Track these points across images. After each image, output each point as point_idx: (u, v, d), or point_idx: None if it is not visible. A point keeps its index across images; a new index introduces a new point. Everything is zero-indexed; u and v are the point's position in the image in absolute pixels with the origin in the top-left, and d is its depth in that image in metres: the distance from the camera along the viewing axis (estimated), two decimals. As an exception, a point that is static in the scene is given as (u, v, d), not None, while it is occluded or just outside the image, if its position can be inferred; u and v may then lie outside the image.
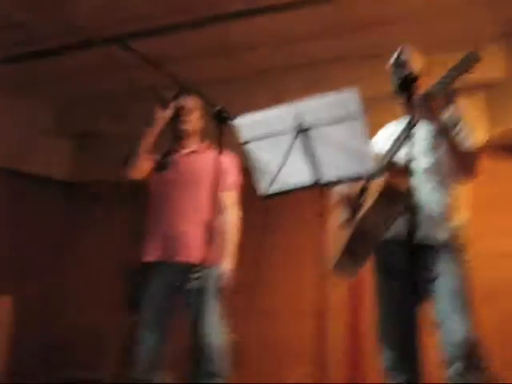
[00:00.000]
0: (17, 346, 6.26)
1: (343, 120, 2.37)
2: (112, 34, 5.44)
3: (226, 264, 3.40)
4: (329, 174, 2.54)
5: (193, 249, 3.33)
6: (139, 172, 3.60)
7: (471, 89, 4.38)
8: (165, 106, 3.54)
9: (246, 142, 2.57)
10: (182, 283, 3.29)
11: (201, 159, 3.57)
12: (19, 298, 6.36)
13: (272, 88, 5.66)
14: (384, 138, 2.99)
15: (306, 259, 5.37)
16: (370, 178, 2.59)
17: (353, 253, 2.86)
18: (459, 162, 2.69)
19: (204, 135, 3.72)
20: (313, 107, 2.42)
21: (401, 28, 4.96)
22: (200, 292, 3.24)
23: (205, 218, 3.35)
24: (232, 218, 3.55)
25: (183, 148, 3.68)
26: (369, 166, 2.41)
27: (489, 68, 4.80)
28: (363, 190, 2.93)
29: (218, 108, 2.75)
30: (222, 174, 3.55)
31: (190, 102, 3.64)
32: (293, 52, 5.64)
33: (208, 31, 5.43)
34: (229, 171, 3.59)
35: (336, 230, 3.08)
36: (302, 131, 2.46)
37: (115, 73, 6.31)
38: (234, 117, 2.60)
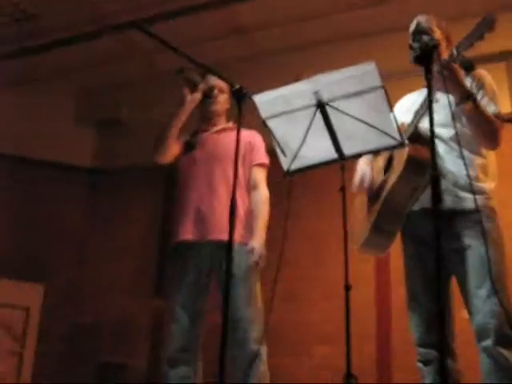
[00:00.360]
0: (47, 332, 6.39)
1: (362, 93, 2.36)
2: (129, 19, 5.48)
3: (256, 241, 3.32)
4: (351, 148, 2.53)
5: (225, 227, 3.30)
6: (169, 156, 3.55)
7: (491, 59, 4.33)
8: (194, 88, 3.49)
9: (266, 119, 2.56)
10: (216, 262, 3.28)
11: (229, 137, 3.48)
12: (49, 286, 6.47)
13: (288, 66, 5.63)
14: (405, 109, 2.96)
15: (330, 240, 5.40)
16: (395, 148, 2.57)
17: (381, 228, 2.83)
18: (483, 129, 2.65)
19: (228, 116, 3.69)
20: (331, 82, 2.40)
21: (419, 1, 4.91)
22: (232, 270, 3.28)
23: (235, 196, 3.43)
24: (262, 195, 3.49)
25: (211, 126, 3.63)
26: (391, 138, 2.40)
27: (509, 38, 4.73)
28: (387, 164, 2.91)
29: (236, 86, 2.73)
30: (251, 151, 3.57)
31: (219, 83, 3.57)
32: (307, 30, 5.61)
33: (222, 12, 5.46)
34: (257, 148, 3.55)
35: (362, 207, 3.07)
36: (322, 106, 2.45)
37: (136, 59, 6.34)
38: (253, 94, 2.59)
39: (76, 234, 6.87)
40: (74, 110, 7.18)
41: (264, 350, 3.24)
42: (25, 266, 6.36)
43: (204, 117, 3.66)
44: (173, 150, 3.57)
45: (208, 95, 3.56)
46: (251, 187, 3.54)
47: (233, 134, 3.52)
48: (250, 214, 3.46)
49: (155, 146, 3.52)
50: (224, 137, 3.56)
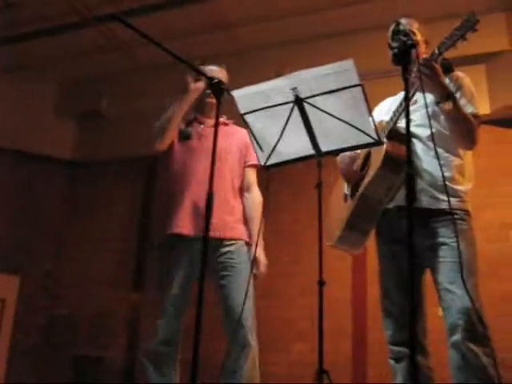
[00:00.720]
0: (23, 324, 6.35)
1: (341, 90, 2.37)
2: (111, 11, 5.46)
3: (259, 250, 3.33)
4: (328, 144, 2.54)
5: (221, 223, 3.29)
6: (167, 144, 3.49)
7: (470, 60, 4.36)
8: (198, 77, 3.40)
9: (245, 114, 2.57)
10: (211, 258, 3.23)
11: (227, 132, 3.47)
12: (26, 277, 6.43)
13: (271, 62, 5.64)
14: (383, 111, 2.99)
15: (307, 235, 5.42)
16: (371, 146, 2.58)
17: (356, 225, 2.86)
18: (461, 128, 2.69)
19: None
20: (310, 78, 2.41)
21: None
22: (228, 267, 3.29)
23: (230, 193, 3.42)
24: (256, 198, 3.48)
25: (208, 119, 3.55)
26: (368, 136, 2.41)
27: (490, 40, 4.78)
28: (364, 161, 2.93)
29: (215, 80, 2.72)
30: (246, 150, 3.53)
31: (222, 74, 3.51)
32: (291, 26, 5.62)
33: (205, 6, 5.45)
34: (251, 149, 3.32)
35: (337, 203, 3.08)
36: (300, 102, 2.46)
37: (118, 51, 6.31)
38: (232, 89, 2.59)
39: (54, 226, 6.83)
40: (54, 101, 7.12)
41: (255, 343, 3.26)
42: (1, 256, 6.30)
43: (200, 107, 3.58)
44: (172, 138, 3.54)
45: (219, 90, 3.53)
46: (244, 188, 3.51)
47: (231, 130, 3.53)
48: (246, 214, 3.47)
49: (156, 133, 3.45)
50: (222, 132, 3.51)
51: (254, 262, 3.27)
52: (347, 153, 2.96)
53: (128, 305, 6.25)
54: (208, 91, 3.41)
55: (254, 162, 3.45)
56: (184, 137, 3.53)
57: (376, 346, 4.90)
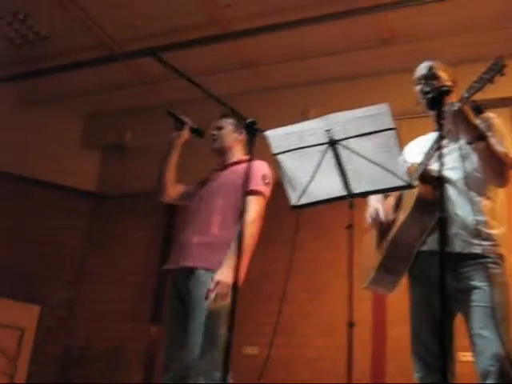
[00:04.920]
0: (41, 354, 6.35)
1: (375, 133, 2.40)
2: (139, 47, 5.57)
3: (221, 272, 3.14)
4: (359, 186, 2.56)
5: (194, 255, 3.32)
6: (171, 194, 3.64)
7: (496, 104, 4.38)
8: (180, 127, 3.60)
9: (277, 154, 2.60)
10: (183, 287, 3.30)
11: (231, 171, 3.54)
12: (45, 307, 6.45)
13: (297, 102, 5.70)
14: (415, 152, 3.00)
15: (325, 275, 5.42)
16: (403, 189, 2.60)
17: (389, 267, 2.86)
18: (493, 166, 2.69)
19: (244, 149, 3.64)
20: (344, 121, 2.44)
21: (428, 43, 5.02)
22: (194, 298, 3.23)
23: (215, 226, 3.39)
24: (247, 217, 3.18)
25: (220, 164, 3.66)
26: (401, 179, 2.43)
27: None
28: (397, 204, 2.94)
29: (249, 120, 2.75)
30: (246, 179, 3.50)
31: (217, 122, 3.65)
32: (317, 67, 5.70)
33: (232, 45, 5.54)
34: (253, 176, 3.23)
35: (370, 246, 3.08)
36: (333, 144, 2.49)
37: (143, 86, 6.42)
38: (264, 129, 2.62)
39: (75, 257, 6.87)
40: (80, 133, 7.24)
41: None
42: (22, 286, 6.33)
43: (216, 156, 3.69)
44: (176, 189, 3.65)
45: (199, 133, 3.65)
46: (241, 214, 3.31)
47: (239, 167, 3.56)
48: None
49: (155, 187, 3.63)
50: (227, 172, 3.57)
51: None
52: (381, 208, 2.99)
53: (145, 338, 6.24)
54: (210, 136, 3.60)
55: (251, 188, 3.27)
56: (201, 186, 3.63)
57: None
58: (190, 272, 3.27)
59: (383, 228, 2.98)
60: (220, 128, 3.63)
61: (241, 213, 3.13)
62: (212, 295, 3.08)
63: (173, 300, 3.38)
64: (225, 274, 3.10)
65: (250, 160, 2.74)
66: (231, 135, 3.63)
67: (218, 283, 3.10)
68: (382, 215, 2.98)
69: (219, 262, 3.18)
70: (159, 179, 3.59)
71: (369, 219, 3.05)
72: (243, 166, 3.42)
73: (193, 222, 3.46)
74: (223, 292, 3.07)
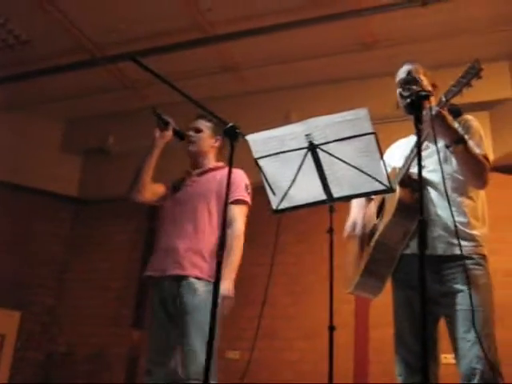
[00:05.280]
0: (22, 360, 6.30)
1: (354, 137, 2.41)
2: (121, 51, 5.55)
3: (225, 288, 3.16)
4: (340, 190, 2.57)
5: (184, 262, 3.30)
6: (146, 195, 3.56)
7: (475, 107, 4.41)
8: (164, 127, 3.53)
9: (258, 158, 2.60)
10: (169, 295, 3.28)
11: (208, 178, 3.54)
12: (26, 313, 6.40)
13: (279, 105, 5.71)
14: (397, 156, 3.01)
15: (307, 278, 5.43)
16: (384, 193, 2.61)
17: (373, 271, 2.86)
18: (472, 169, 2.71)
19: (220, 154, 3.66)
20: (324, 125, 2.44)
21: (409, 47, 5.05)
22: (186, 306, 3.22)
23: (203, 233, 3.38)
24: (235, 230, 3.36)
25: (195, 169, 3.63)
26: (381, 183, 2.44)
27: (494, 87, 4.85)
28: (380, 208, 2.96)
29: (229, 125, 2.74)
30: (224, 187, 3.51)
31: (195, 122, 3.62)
32: (299, 70, 5.72)
33: (213, 49, 5.54)
34: (235, 185, 3.38)
35: (354, 251, 3.09)
36: (313, 148, 2.49)
37: (124, 90, 6.40)
38: (246, 134, 2.62)
39: (56, 262, 6.83)
40: (61, 137, 7.20)
41: None
42: (2, 292, 6.27)
43: (190, 158, 3.66)
44: (153, 188, 3.59)
45: (180, 136, 3.59)
46: (228, 224, 3.32)
47: (216, 174, 3.55)
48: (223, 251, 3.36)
49: (129, 185, 3.55)
50: (202, 179, 3.56)
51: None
52: (359, 221, 3.03)
53: (127, 343, 6.22)
54: (187, 140, 3.56)
55: (236, 198, 3.40)
56: (174, 190, 3.60)
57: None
58: (181, 279, 3.26)
59: (365, 234, 3.00)
60: (198, 130, 3.60)
61: (224, 220, 3.21)
62: (225, 312, 3.15)
63: (156, 307, 3.35)
64: (228, 289, 3.19)
65: (230, 167, 2.72)
66: (208, 140, 3.62)
67: (224, 298, 3.14)
68: (358, 230, 3.02)
69: (211, 270, 3.19)
70: (137, 177, 3.51)
71: (345, 233, 3.09)
72: (221, 173, 3.49)
73: (173, 226, 3.43)
74: (231, 306, 3.20)
